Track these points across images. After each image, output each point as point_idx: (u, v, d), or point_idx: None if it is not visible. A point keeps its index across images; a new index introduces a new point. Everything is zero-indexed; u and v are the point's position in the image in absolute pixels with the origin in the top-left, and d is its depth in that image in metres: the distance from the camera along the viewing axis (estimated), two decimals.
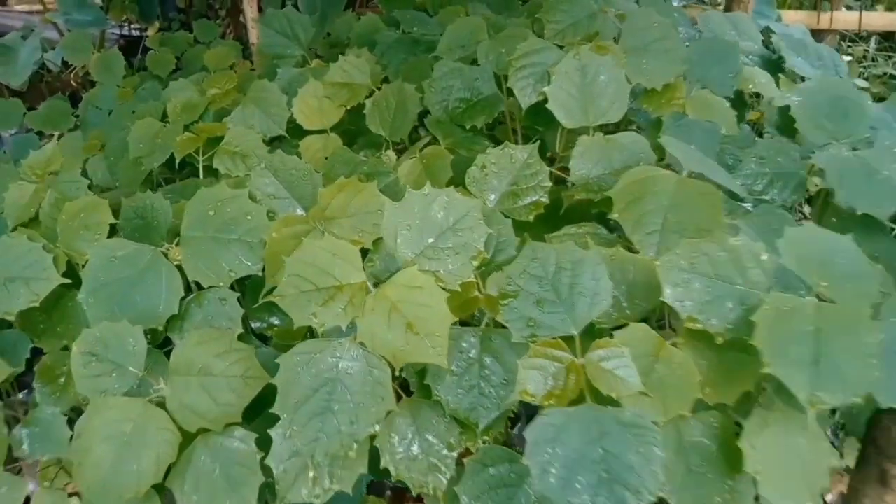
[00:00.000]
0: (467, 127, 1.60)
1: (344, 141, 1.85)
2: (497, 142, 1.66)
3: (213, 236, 1.31)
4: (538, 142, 1.38)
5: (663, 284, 1.00)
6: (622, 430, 0.89)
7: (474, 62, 1.72)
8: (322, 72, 1.96)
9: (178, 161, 1.73)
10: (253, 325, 1.43)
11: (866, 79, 3.32)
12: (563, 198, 1.39)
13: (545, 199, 1.32)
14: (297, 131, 1.85)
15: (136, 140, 1.84)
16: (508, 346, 1.06)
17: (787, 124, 1.61)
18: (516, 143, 1.57)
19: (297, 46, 2.10)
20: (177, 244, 1.33)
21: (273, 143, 1.88)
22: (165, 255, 1.31)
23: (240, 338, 1.20)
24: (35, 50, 2.75)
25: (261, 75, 2.10)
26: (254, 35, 2.48)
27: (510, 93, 1.61)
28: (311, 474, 0.98)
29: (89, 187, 1.98)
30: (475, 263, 1.07)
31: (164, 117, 1.94)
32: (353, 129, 1.92)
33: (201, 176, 1.76)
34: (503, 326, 1.07)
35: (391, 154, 1.70)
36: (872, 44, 3.53)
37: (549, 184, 1.33)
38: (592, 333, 1.04)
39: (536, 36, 1.67)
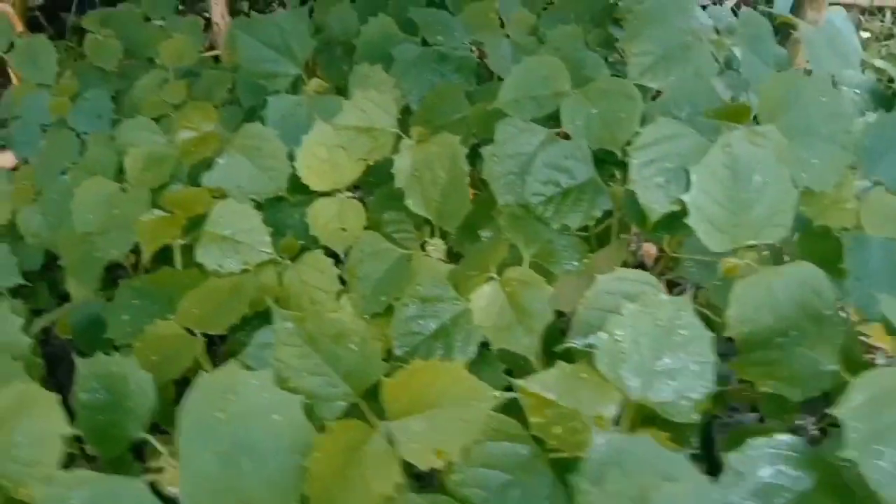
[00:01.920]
0: (554, 226, 1.10)
1: (364, 204, 1.34)
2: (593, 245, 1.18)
3: (224, 454, 0.81)
4: (694, 290, 0.90)
5: None
6: None
7: (549, 119, 1.20)
8: (326, 102, 1.41)
9: (147, 253, 1.19)
10: None
11: (883, 58, 2.88)
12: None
13: (712, 386, 0.86)
14: (296, 185, 1.32)
15: (83, 209, 1.28)
16: None
17: None
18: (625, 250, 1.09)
19: (291, 62, 1.51)
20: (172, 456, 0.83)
21: (264, 205, 1.34)
22: (152, 488, 0.81)
23: None
24: None
25: (244, 107, 1.52)
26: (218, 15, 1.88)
27: (612, 176, 1.12)
28: None
29: (20, 238, 1.44)
30: None
31: (119, 171, 1.36)
32: (371, 182, 1.40)
33: (178, 265, 1.23)
34: None
35: (439, 243, 1.20)
36: (889, 17, 3.06)
37: (714, 358, 0.87)
38: None
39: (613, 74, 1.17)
